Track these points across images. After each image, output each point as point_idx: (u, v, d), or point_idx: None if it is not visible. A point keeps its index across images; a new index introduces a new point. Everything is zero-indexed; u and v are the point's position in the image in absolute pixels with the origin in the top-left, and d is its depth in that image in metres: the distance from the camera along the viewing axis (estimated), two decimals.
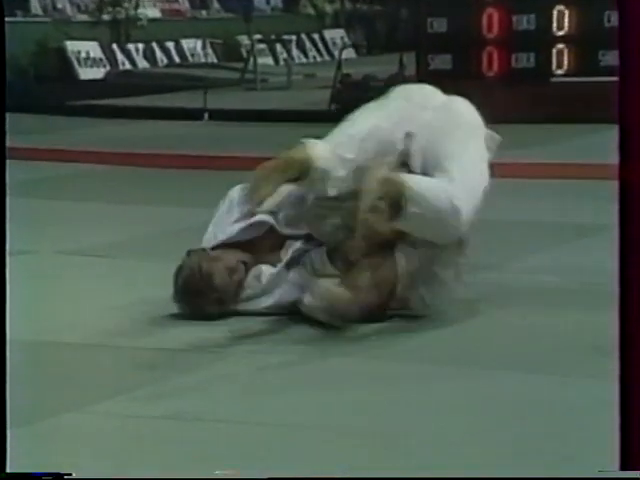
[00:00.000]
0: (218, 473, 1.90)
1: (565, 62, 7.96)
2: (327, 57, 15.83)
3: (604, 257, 2.59)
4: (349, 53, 13.64)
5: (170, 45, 14.29)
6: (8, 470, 1.59)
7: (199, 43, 14.46)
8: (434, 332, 2.92)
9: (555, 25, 7.99)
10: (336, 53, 13.16)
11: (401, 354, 2.77)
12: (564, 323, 2.97)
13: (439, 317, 3.00)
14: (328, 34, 16.60)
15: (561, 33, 7.99)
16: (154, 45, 14.04)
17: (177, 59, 14.32)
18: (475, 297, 3.17)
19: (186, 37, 14.44)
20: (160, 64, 13.96)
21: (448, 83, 8.58)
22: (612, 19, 7.71)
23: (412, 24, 9.60)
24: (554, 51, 7.97)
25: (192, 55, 14.52)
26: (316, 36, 16.35)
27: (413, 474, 1.91)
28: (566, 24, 7.96)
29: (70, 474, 1.70)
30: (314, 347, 2.84)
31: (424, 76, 8.40)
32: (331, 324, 2.85)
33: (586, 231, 4.07)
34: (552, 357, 2.68)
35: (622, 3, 1.60)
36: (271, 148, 8.47)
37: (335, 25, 17.01)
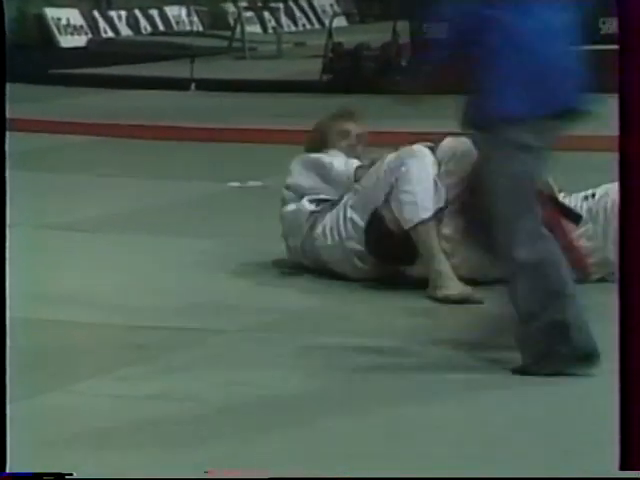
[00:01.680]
0: (217, 472, 1.93)
1: None
2: (317, 25, 15.75)
3: None
4: (340, 21, 13.57)
5: (154, 12, 14.18)
6: (8, 470, 1.63)
7: (184, 10, 14.35)
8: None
9: None
10: (326, 21, 13.09)
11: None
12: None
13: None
14: (317, 1, 16.50)
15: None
16: (137, 12, 13.91)
17: (161, 27, 14.22)
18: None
19: (170, 4, 14.33)
20: (144, 32, 13.85)
21: (443, 52, 8.51)
22: None
23: None
24: None
25: (177, 23, 14.40)
26: (305, 4, 16.25)
27: (413, 474, 1.95)
28: None
29: (71, 474, 1.75)
30: (303, 325, 2.84)
31: (419, 45, 8.37)
32: None
33: None
34: None
35: None
36: (261, 119, 8.45)
37: None
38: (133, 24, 13.83)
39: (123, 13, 13.74)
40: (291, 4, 15.72)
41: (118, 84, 8.96)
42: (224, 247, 3.61)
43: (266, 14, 14.33)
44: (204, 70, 9.20)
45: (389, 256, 3.09)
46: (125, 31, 13.62)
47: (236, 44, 11.63)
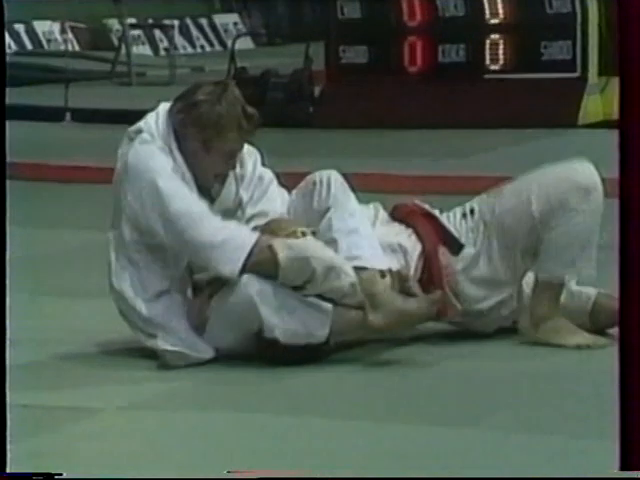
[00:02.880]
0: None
1: (501, 55, 8.15)
2: (218, 47, 15.95)
3: None
4: (245, 43, 13.77)
5: (20, 28, 14.14)
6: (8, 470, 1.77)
7: (56, 26, 14.35)
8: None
9: (488, 11, 8.15)
10: (229, 42, 13.25)
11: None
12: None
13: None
14: (219, 19, 16.73)
15: (495, 21, 8.17)
16: None
17: (29, 45, 14.19)
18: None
19: (40, 18, 14.33)
20: (8, 51, 13.80)
21: (363, 79, 8.78)
22: (555, 4, 7.96)
23: (320, 8, 9.76)
24: (487, 42, 8.15)
25: (48, 41, 14.40)
26: (204, 21, 16.45)
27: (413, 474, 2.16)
28: (501, 10, 8.13)
29: (61, 474, 1.91)
30: (189, 400, 2.88)
31: (335, 71, 8.56)
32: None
33: None
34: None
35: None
36: None
37: (227, 8, 17.15)
38: None
39: None
40: (188, 21, 15.88)
41: None
42: (104, 308, 3.61)
43: (157, 33, 14.44)
44: (81, 98, 9.20)
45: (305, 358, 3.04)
46: None
47: (120, 68, 11.67)
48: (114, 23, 14.11)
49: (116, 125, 8.86)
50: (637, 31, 1.72)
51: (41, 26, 14.43)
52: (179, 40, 14.85)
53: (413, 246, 3.19)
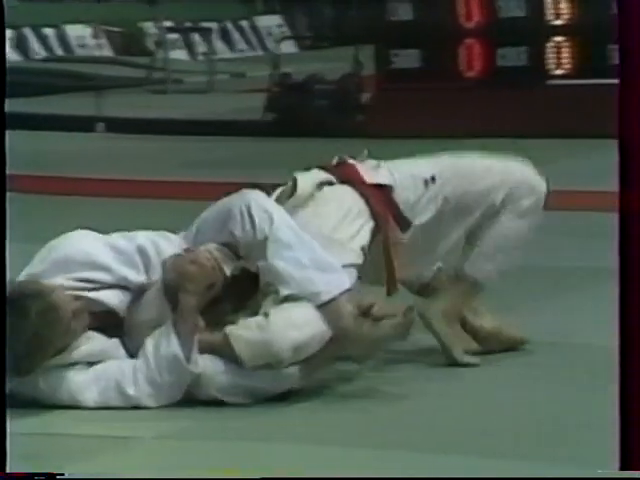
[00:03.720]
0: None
1: (565, 59, 8.18)
2: (260, 51, 16.10)
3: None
4: (289, 46, 13.90)
5: (49, 32, 14.37)
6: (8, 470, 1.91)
7: (89, 31, 14.56)
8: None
9: (552, 11, 8.19)
10: (272, 46, 13.38)
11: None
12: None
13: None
14: (261, 21, 16.88)
15: (559, 22, 8.21)
16: (27, 31, 14.08)
17: (59, 51, 14.41)
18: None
19: (71, 22, 14.55)
20: (36, 57, 14.01)
21: (416, 86, 8.80)
22: None
23: (369, 9, 9.84)
24: (551, 45, 8.19)
25: (80, 46, 14.62)
26: (245, 24, 16.62)
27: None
28: (565, 10, 8.16)
29: (62, 474, 2.05)
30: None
31: (385, 77, 8.64)
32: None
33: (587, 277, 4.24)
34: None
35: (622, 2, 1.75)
36: (187, 169, 8.38)
37: (270, 10, 17.30)
38: (21, 46, 13.97)
39: (9, 32, 13.90)
40: (228, 24, 16.04)
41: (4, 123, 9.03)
42: None
43: (196, 37, 14.61)
44: (115, 106, 9.35)
45: None
46: (11, 55, 13.77)
47: (156, 74, 11.83)
48: (150, 26, 14.29)
49: (151, 135, 9.00)
50: (637, 41, 1.77)
51: (73, 30, 14.64)
52: (219, 44, 15.01)
53: (366, 219, 3.16)
